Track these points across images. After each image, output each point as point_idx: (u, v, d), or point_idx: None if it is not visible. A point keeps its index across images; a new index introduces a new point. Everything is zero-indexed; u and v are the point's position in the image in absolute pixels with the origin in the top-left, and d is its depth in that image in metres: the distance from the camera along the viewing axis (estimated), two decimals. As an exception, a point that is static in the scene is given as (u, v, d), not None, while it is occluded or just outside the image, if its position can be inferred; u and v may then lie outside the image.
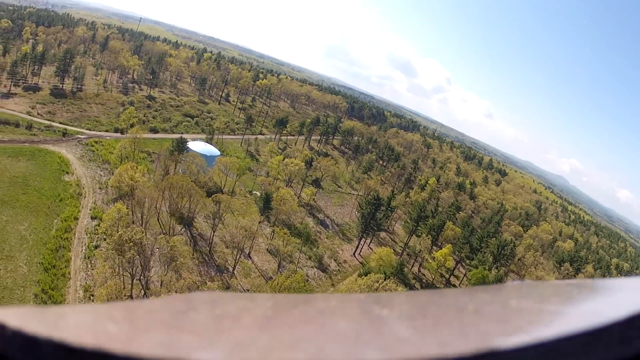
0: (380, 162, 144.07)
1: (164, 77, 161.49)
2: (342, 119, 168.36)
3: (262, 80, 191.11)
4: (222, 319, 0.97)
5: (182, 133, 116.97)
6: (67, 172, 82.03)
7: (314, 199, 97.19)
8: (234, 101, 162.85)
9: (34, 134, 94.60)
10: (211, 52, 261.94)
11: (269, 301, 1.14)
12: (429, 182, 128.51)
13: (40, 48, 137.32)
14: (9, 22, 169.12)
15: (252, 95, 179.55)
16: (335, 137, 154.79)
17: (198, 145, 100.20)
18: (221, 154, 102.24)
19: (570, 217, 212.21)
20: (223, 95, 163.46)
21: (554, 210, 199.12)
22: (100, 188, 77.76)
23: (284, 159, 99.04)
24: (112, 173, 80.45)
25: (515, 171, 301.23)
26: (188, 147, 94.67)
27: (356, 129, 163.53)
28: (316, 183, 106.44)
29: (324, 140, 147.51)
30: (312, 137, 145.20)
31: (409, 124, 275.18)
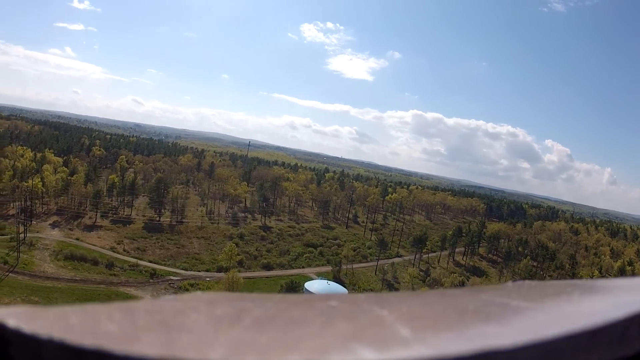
0: (534, 263, 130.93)
1: (281, 204, 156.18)
2: (485, 224, 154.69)
3: (392, 194, 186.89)
4: (222, 319, 1.06)
5: (302, 267, 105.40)
6: (148, 326, 68.43)
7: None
8: (362, 222, 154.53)
9: (114, 274, 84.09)
10: (334, 171, 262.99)
11: (269, 302, 1.23)
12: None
13: (130, 176, 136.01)
14: (102, 150, 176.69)
15: (383, 213, 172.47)
16: (480, 245, 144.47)
17: (317, 286, 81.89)
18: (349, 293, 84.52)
19: None
20: (350, 217, 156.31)
21: None
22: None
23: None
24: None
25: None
26: (304, 289, 79.28)
27: (502, 231, 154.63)
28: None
29: (469, 251, 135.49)
30: (456, 250, 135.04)
31: (548, 212, 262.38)
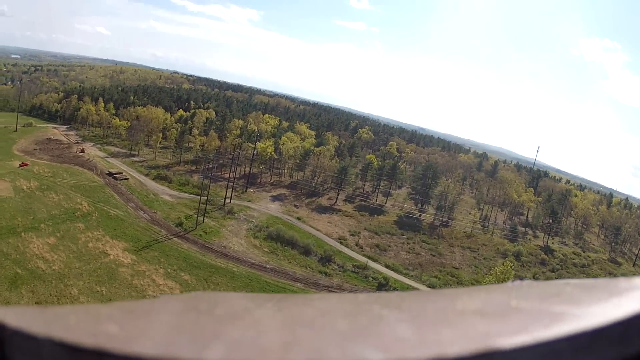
0: None
1: (566, 223, 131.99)
2: None
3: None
4: (222, 319, 1.08)
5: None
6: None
7: None
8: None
9: (327, 272, 62.72)
10: (620, 198, 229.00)
11: (269, 301, 1.26)
12: None
13: (393, 160, 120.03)
14: (371, 134, 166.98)
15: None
16: None
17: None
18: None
19: None
20: (639, 254, 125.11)
21: None
22: None
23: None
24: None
25: None
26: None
27: None
28: None
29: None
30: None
31: None
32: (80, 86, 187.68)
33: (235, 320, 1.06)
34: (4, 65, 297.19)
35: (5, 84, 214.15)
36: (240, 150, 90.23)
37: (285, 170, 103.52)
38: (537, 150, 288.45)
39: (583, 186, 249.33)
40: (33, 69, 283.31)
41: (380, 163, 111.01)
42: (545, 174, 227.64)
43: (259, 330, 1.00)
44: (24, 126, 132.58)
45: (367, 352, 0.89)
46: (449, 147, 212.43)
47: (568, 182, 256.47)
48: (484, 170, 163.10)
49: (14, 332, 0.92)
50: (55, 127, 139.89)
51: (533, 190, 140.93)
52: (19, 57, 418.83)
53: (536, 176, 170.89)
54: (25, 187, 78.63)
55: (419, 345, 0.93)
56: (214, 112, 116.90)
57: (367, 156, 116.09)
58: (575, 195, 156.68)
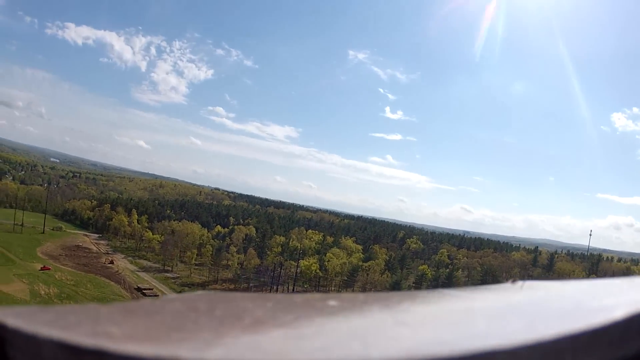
0: None
1: None
2: None
3: None
4: (222, 319, 1.09)
5: None
6: None
7: None
8: None
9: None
10: None
11: (269, 301, 1.27)
12: None
13: (447, 270, 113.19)
14: (420, 243, 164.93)
15: None
16: None
17: None
18: None
19: None
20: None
21: None
22: None
23: None
24: None
25: None
26: None
27: None
28: None
29: None
30: None
31: None
32: (117, 196, 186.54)
33: (235, 320, 1.06)
34: (42, 167, 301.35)
35: (41, 185, 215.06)
36: (281, 268, 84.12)
37: (332, 288, 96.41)
38: (590, 235, 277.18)
39: (636, 260, 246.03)
40: (71, 174, 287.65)
41: (434, 272, 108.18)
42: (600, 257, 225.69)
43: (259, 330, 1.00)
44: (52, 229, 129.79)
45: (367, 351, 0.90)
46: (500, 247, 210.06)
47: (620, 260, 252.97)
48: (540, 264, 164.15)
49: (15, 332, 0.93)
50: (86, 235, 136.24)
51: (595, 277, 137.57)
52: (57, 161, 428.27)
53: (595, 261, 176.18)
54: (43, 292, 72.52)
55: (419, 345, 0.94)
56: (254, 229, 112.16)
57: (420, 267, 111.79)
58: (635, 272, 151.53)
